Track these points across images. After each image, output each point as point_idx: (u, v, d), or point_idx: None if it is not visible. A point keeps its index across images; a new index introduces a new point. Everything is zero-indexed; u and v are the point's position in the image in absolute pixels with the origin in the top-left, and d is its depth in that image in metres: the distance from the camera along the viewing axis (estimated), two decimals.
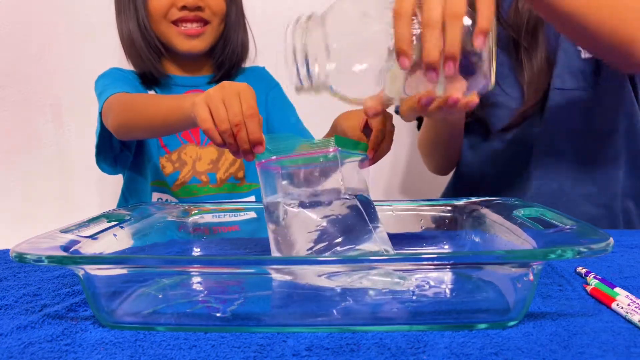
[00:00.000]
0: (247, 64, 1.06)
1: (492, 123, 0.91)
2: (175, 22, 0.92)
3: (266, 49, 1.08)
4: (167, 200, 0.95)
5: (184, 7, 0.91)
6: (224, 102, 0.55)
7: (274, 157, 0.57)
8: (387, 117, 0.63)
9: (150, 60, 0.94)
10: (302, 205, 0.55)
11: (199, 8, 0.92)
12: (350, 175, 0.58)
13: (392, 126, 0.63)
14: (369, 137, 0.62)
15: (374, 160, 0.61)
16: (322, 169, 0.57)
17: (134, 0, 0.93)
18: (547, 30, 0.85)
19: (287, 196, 0.56)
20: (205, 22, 0.94)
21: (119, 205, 1.02)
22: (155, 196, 0.95)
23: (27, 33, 1.24)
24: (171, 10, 0.92)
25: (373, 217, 0.56)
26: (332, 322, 0.43)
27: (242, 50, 1.02)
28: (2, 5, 1.22)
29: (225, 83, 0.57)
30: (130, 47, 0.95)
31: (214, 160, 0.97)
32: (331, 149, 0.57)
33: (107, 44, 1.08)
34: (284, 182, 0.56)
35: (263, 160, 0.57)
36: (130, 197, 1.00)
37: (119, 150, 0.93)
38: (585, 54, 0.84)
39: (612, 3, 0.70)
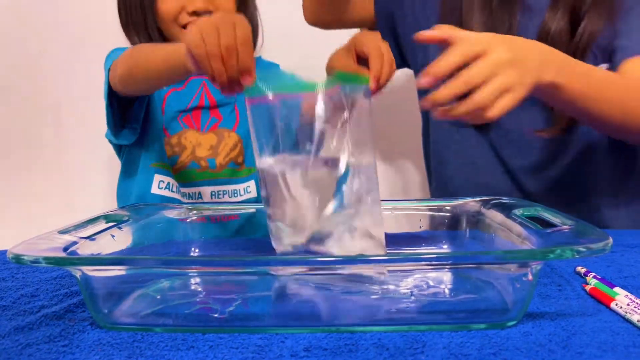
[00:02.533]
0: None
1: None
2: (185, 26, 0.92)
3: (269, 40, 1.08)
4: (168, 183, 0.95)
5: (194, 13, 0.90)
6: (217, 28, 0.53)
7: (269, 95, 0.52)
8: (383, 42, 0.64)
9: None
10: (288, 162, 0.52)
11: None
12: (355, 122, 0.53)
13: (390, 53, 0.64)
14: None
15: (378, 87, 0.60)
16: (326, 110, 0.52)
17: (144, 14, 0.93)
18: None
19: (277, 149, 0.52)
20: None
21: (118, 189, 1.01)
22: (157, 178, 0.95)
23: (27, 33, 1.24)
24: (181, 15, 0.91)
25: (365, 188, 0.52)
26: (330, 322, 0.43)
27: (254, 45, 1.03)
28: (2, 6, 1.22)
29: (220, 12, 0.56)
30: None
31: (213, 145, 0.97)
32: (334, 89, 0.52)
33: (108, 44, 1.07)
34: (280, 122, 0.52)
35: (255, 98, 0.53)
36: (128, 178, 0.99)
37: (120, 125, 0.92)
38: None
39: (620, 99, 0.73)
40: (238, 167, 0.99)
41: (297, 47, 1.25)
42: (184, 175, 0.95)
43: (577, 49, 0.83)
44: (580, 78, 0.69)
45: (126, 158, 1.00)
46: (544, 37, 0.85)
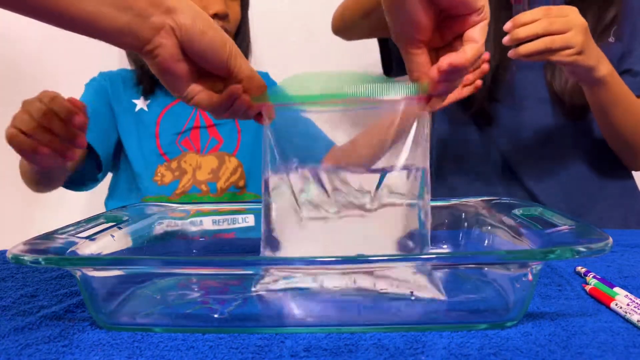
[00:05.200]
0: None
1: (498, 118, 0.95)
2: None
3: (266, 51, 1.08)
4: None
5: (215, 15, 0.90)
6: (25, 111, 0.52)
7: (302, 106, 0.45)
8: None
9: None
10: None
11: (226, 16, 0.92)
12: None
13: None
14: None
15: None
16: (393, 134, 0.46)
17: None
18: None
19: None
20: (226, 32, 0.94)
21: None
22: None
23: (27, 33, 1.24)
24: None
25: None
26: (330, 322, 0.43)
27: (247, 52, 1.03)
28: None
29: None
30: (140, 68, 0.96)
31: (214, 169, 0.96)
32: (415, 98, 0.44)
33: (107, 44, 1.07)
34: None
35: (280, 104, 0.46)
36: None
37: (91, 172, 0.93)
38: None
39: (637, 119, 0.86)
40: (239, 192, 0.97)
41: (286, 51, 1.25)
42: (185, 200, 0.94)
43: None
44: (620, 87, 0.82)
45: (113, 192, 0.99)
46: None
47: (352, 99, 0.45)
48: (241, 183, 0.98)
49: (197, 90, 0.48)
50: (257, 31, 1.07)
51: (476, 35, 0.46)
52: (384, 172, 0.46)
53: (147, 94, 0.98)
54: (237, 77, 0.48)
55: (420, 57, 0.47)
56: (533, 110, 0.92)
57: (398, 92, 0.46)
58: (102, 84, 0.98)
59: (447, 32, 0.47)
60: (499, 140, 0.95)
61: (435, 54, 0.49)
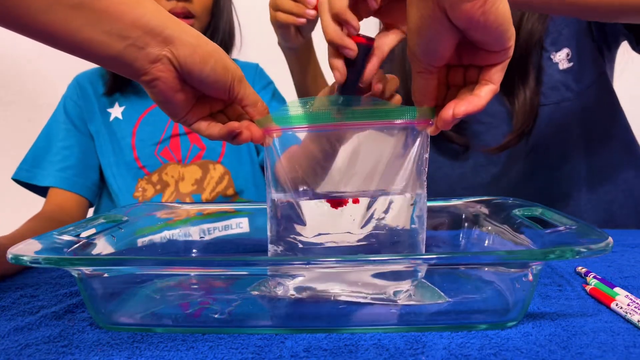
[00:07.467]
0: (234, 54, 1.01)
1: (475, 143, 0.90)
2: None
3: (254, 40, 1.06)
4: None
5: None
6: None
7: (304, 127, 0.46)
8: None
9: None
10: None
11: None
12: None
13: None
14: None
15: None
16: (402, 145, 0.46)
17: None
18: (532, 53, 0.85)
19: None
20: (192, 16, 0.87)
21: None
22: None
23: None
24: (160, 4, 0.87)
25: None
26: (330, 323, 0.43)
27: (229, 40, 0.98)
28: None
29: None
30: None
31: (198, 179, 0.91)
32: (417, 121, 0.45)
33: None
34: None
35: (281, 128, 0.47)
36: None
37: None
38: (563, 66, 0.84)
39: None
40: (229, 200, 0.93)
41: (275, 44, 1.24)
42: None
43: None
44: None
45: (97, 212, 0.96)
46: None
47: (358, 121, 0.46)
48: (230, 191, 0.93)
49: (196, 118, 0.48)
50: (250, 22, 1.06)
51: (495, 77, 0.44)
52: (374, 196, 0.47)
53: (120, 96, 0.94)
54: (241, 103, 0.47)
55: (429, 82, 0.45)
56: (493, 125, 0.87)
57: (403, 116, 0.46)
58: (77, 103, 0.94)
59: (465, 57, 0.45)
60: (469, 166, 0.90)
61: (446, 70, 0.47)
